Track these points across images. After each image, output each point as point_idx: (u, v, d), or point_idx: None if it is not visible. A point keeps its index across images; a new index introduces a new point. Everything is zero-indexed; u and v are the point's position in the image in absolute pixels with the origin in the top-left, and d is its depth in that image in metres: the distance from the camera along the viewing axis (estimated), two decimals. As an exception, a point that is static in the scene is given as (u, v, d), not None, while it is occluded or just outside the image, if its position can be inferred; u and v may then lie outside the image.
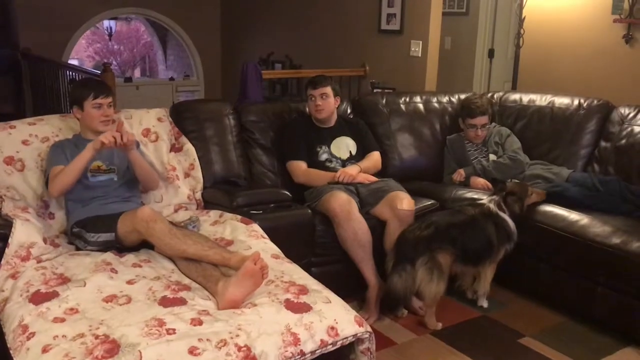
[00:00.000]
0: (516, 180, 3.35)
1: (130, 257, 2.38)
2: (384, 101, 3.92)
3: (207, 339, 1.80)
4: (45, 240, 2.46)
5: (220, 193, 3.10)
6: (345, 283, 2.87)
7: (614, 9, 4.30)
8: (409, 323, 2.99)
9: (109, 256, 2.35)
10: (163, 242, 2.29)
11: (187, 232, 2.39)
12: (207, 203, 3.11)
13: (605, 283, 2.86)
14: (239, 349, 1.80)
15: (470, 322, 3.03)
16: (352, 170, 3.28)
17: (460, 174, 3.57)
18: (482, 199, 3.14)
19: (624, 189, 3.18)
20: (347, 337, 2.02)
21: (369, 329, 2.10)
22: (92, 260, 2.31)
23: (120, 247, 2.43)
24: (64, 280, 2.15)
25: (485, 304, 3.16)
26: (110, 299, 2.03)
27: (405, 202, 3.07)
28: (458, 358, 2.69)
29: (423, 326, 2.93)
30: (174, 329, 1.83)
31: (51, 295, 2.03)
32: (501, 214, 3.03)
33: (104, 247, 2.43)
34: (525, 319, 3.04)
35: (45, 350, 1.75)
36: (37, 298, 2.02)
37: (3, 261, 2.26)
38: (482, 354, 2.72)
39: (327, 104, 3.37)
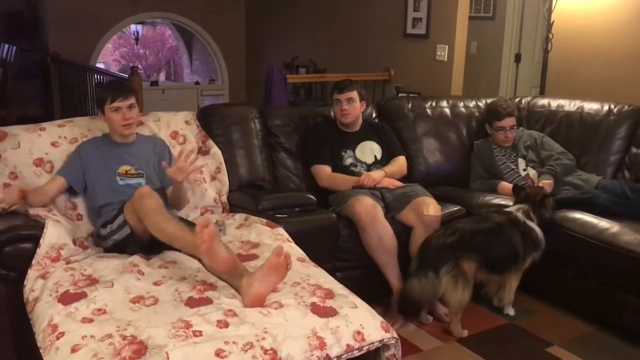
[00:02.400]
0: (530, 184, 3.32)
1: (156, 260, 2.41)
2: (409, 105, 3.90)
3: (234, 342, 1.80)
4: (74, 242, 2.50)
5: (245, 196, 3.11)
6: (370, 288, 2.84)
7: (645, 13, 4.23)
8: (434, 330, 2.96)
9: (135, 259, 2.38)
10: (150, 218, 2.30)
11: (175, 216, 2.46)
12: (233, 206, 3.12)
13: (636, 292, 2.79)
14: (265, 352, 1.80)
15: (496, 330, 2.99)
16: (377, 174, 3.26)
17: (507, 188, 3.38)
18: (509, 206, 3.10)
19: (656, 197, 3.12)
20: (373, 343, 2.00)
21: (395, 334, 2.08)
22: (120, 262, 2.33)
23: (139, 243, 2.43)
24: (92, 281, 2.17)
25: (511, 312, 3.11)
26: (137, 300, 2.05)
27: (431, 207, 3.05)
28: (484, 366, 2.66)
29: (448, 333, 2.90)
30: (200, 331, 1.84)
31: (80, 296, 2.05)
32: (529, 222, 2.98)
33: (122, 244, 2.45)
34: (552, 328, 2.99)
35: (74, 350, 1.77)
36: (66, 298, 2.04)
37: (34, 261, 2.29)
38: (507, 361, 2.69)
39: (353, 108, 3.36)
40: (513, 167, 3.58)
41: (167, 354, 1.72)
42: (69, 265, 2.28)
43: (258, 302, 2.02)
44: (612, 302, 2.90)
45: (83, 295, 2.06)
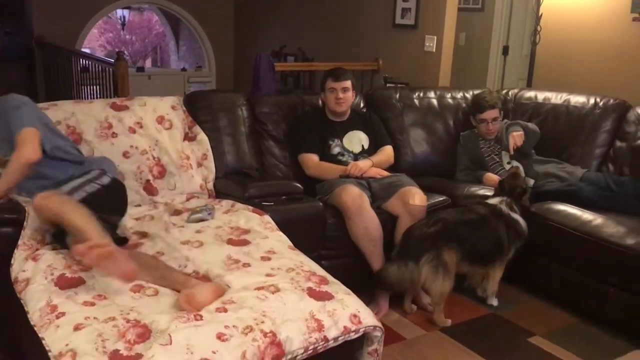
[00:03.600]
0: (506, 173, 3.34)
1: (143, 249, 2.38)
2: (397, 96, 3.90)
3: (234, 326, 1.81)
4: None
5: (232, 184, 3.09)
6: (355, 277, 2.84)
7: (633, 7, 4.25)
8: (417, 319, 2.97)
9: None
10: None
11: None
12: (219, 193, 3.11)
13: (618, 284, 2.83)
14: (265, 334, 1.81)
15: (479, 320, 3.02)
16: (364, 164, 3.26)
17: (492, 180, 3.42)
18: (492, 199, 3.10)
19: (638, 189, 3.15)
20: (369, 326, 2.02)
21: (379, 324, 2.09)
22: None
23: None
24: (84, 267, 2.12)
25: (495, 302, 3.13)
26: (137, 289, 2.04)
27: (417, 197, 3.05)
28: (467, 355, 2.68)
29: (432, 323, 2.92)
30: (200, 315, 1.85)
31: (78, 282, 2.04)
32: (513, 214, 3.00)
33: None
34: (535, 318, 3.02)
35: (77, 328, 1.75)
36: (63, 282, 2.02)
37: (20, 242, 2.25)
38: (491, 351, 2.71)
39: (348, 97, 3.35)
40: (497, 159, 3.60)
41: (170, 336, 1.73)
42: (58, 251, 2.25)
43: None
44: (594, 293, 2.93)
45: (81, 281, 2.04)
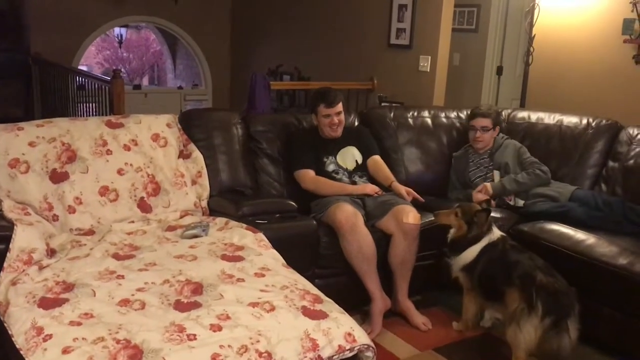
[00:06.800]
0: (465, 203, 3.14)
1: (135, 262, 2.36)
2: (391, 115, 3.92)
3: (229, 345, 1.80)
4: (47, 245, 2.45)
5: (226, 202, 3.10)
6: (349, 296, 2.85)
7: (624, 29, 4.31)
8: (411, 338, 2.96)
9: (110, 263, 2.33)
10: None
11: None
12: (213, 211, 3.11)
13: (611, 304, 2.83)
14: (260, 354, 1.81)
15: (472, 339, 3.01)
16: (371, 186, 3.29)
17: (486, 189, 3.43)
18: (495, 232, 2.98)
19: (628, 210, 3.16)
20: (364, 345, 2.02)
21: (372, 343, 2.08)
22: (95, 270, 2.27)
23: None
24: (68, 286, 2.12)
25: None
26: (124, 303, 2.02)
27: (411, 215, 3.06)
28: (460, 375, 2.67)
29: (425, 341, 2.90)
30: (194, 335, 1.84)
31: (61, 301, 2.01)
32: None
33: None
34: (529, 338, 3.01)
35: (66, 351, 1.72)
36: (46, 303, 1.99)
37: (5, 264, 2.24)
38: (484, 371, 2.70)
39: (342, 119, 3.37)
40: (481, 175, 3.60)
41: (164, 359, 1.70)
42: (41, 272, 2.23)
43: None
44: (587, 313, 2.91)
45: (64, 300, 2.01)
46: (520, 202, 3.45)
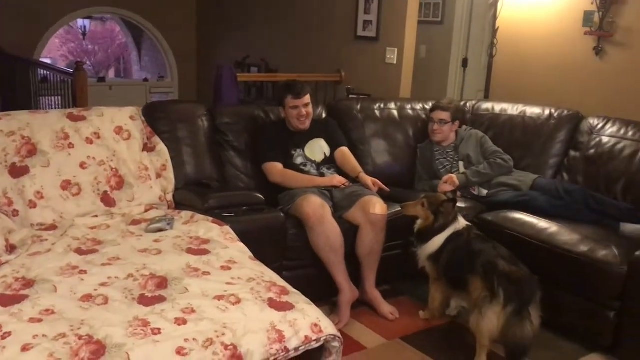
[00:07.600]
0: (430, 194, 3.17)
1: (97, 257, 2.33)
2: (358, 107, 3.93)
3: (194, 339, 1.78)
4: (7, 241, 2.40)
5: (191, 195, 3.07)
6: (317, 287, 2.86)
7: (584, 21, 4.38)
8: (379, 328, 2.99)
9: (73, 258, 2.29)
10: None
11: None
12: (178, 205, 3.08)
13: (573, 291, 2.90)
14: (226, 347, 1.80)
15: (438, 328, 3.05)
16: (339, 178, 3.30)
17: (452, 180, 3.45)
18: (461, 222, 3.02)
19: (589, 198, 3.24)
20: (330, 335, 2.02)
21: (339, 334, 2.09)
22: (57, 265, 2.23)
23: None
24: (28, 282, 2.08)
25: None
26: (86, 298, 1.98)
27: (378, 206, 3.08)
28: (427, 363, 2.71)
29: (392, 330, 2.93)
30: (159, 329, 1.81)
31: (20, 298, 1.96)
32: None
33: None
34: (494, 325, 3.06)
35: (25, 349, 1.68)
36: (5, 300, 1.94)
37: None
38: (450, 359, 2.73)
39: (310, 111, 3.36)
40: (447, 165, 3.64)
41: (128, 354, 1.68)
42: (0, 268, 2.18)
43: None
44: (549, 299, 2.97)
45: (24, 297, 1.97)
46: (484, 192, 3.50)
